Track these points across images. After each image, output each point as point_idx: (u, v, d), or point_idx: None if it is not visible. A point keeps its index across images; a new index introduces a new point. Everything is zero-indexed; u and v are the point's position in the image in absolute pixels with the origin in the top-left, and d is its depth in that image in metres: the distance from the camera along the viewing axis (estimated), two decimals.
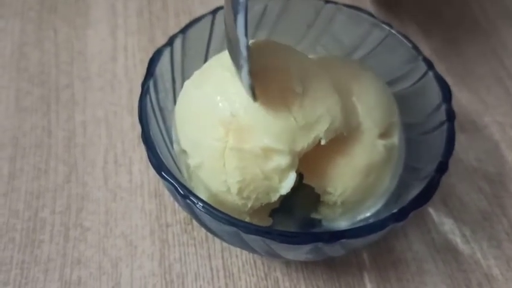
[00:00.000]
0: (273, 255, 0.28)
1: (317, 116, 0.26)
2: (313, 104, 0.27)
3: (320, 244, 0.25)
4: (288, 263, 0.32)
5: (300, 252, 0.26)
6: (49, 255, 0.32)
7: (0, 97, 0.39)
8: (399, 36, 0.33)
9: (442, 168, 0.27)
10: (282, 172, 0.26)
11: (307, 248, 0.25)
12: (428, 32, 0.44)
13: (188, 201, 0.25)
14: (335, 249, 0.27)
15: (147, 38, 0.43)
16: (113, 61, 0.42)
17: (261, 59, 0.27)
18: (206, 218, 0.25)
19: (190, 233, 0.33)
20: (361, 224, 0.28)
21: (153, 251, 0.32)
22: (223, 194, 0.27)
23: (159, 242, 0.32)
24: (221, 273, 0.32)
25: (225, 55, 0.28)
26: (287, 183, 0.27)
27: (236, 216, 0.25)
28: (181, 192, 0.25)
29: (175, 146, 0.30)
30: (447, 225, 0.34)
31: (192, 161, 0.28)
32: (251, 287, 0.31)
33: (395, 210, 0.26)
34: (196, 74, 0.30)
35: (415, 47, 0.32)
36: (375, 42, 0.34)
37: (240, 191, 0.27)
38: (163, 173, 0.26)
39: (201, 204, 0.25)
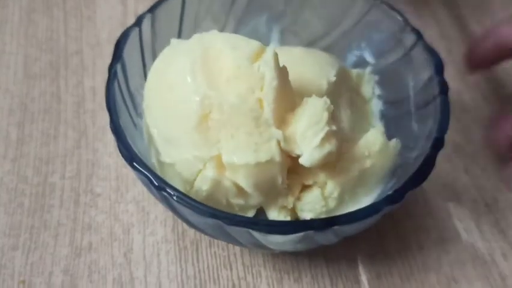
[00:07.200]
0: (260, 247, 0.25)
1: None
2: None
3: (311, 233, 0.22)
4: None
5: (289, 243, 0.24)
6: (59, 220, 0.31)
7: (9, 63, 0.38)
8: (385, 6, 0.30)
9: (437, 144, 0.25)
10: (244, 209, 0.27)
11: (297, 237, 0.23)
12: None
13: (164, 193, 0.23)
14: (327, 237, 0.24)
15: None
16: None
17: None
18: (185, 212, 0.23)
19: None
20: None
21: (166, 217, 0.31)
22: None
23: None
24: None
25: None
26: (245, 215, 0.27)
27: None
28: (156, 183, 0.23)
29: (146, 130, 0.28)
30: (468, 194, 0.33)
31: (164, 159, 0.27)
32: (267, 253, 0.30)
33: (389, 192, 0.24)
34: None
35: (402, 17, 0.30)
36: (359, 14, 0.32)
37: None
38: (135, 164, 0.23)
39: (179, 195, 0.22)
